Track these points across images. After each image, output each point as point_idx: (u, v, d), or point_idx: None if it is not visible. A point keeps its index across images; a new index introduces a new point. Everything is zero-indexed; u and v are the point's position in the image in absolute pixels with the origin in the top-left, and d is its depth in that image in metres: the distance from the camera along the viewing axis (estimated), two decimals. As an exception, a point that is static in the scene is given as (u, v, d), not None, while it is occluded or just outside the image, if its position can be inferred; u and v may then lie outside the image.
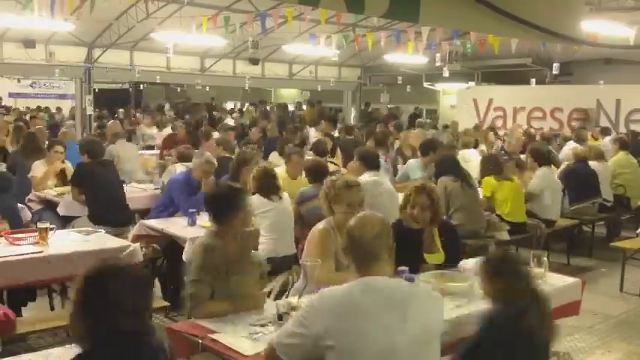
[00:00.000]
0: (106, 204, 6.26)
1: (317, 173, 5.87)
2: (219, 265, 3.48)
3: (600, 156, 8.69)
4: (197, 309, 3.39)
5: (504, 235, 6.50)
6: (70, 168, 7.27)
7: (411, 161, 8.09)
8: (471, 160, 8.92)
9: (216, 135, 10.92)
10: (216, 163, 6.38)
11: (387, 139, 10.09)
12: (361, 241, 2.61)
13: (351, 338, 2.41)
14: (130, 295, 2.08)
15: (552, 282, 4.12)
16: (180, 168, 7.35)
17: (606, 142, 11.51)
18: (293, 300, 3.44)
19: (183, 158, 7.74)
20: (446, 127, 15.89)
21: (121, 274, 2.13)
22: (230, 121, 17.10)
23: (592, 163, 8.39)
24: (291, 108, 24.07)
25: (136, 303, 2.10)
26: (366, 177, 5.95)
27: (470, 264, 3.91)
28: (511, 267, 3.03)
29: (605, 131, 13.07)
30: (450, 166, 6.58)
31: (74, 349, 2.12)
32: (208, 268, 3.45)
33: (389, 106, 23.24)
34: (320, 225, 4.04)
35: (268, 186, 5.23)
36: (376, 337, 2.41)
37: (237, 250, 3.61)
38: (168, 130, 12.97)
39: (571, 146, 10.27)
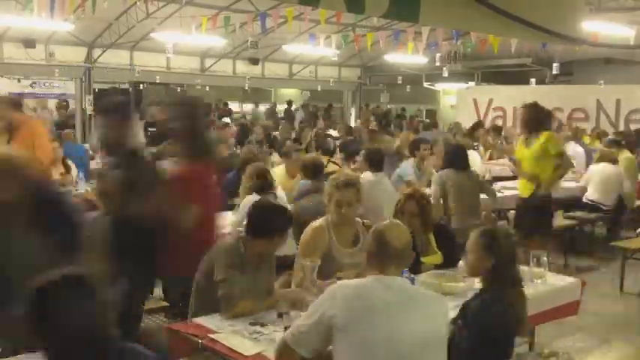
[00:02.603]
0: None
1: (314, 169, 5.86)
2: (237, 264, 3.50)
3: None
4: (228, 310, 3.36)
5: (505, 235, 6.47)
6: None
7: (405, 163, 7.98)
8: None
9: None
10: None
11: None
12: (391, 248, 2.67)
13: (360, 328, 2.47)
14: (82, 303, 2.05)
15: (552, 282, 4.13)
16: None
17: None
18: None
19: None
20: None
21: (71, 283, 2.09)
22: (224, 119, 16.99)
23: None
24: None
25: (88, 311, 2.05)
26: (366, 176, 5.94)
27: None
28: (506, 243, 3.07)
29: (603, 134, 12.88)
30: (455, 158, 6.45)
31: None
32: (234, 265, 3.47)
33: (389, 106, 23.18)
34: (316, 222, 4.01)
35: (263, 184, 5.20)
36: (384, 331, 2.47)
37: (256, 261, 3.59)
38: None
39: (571, 147, 10.13)
